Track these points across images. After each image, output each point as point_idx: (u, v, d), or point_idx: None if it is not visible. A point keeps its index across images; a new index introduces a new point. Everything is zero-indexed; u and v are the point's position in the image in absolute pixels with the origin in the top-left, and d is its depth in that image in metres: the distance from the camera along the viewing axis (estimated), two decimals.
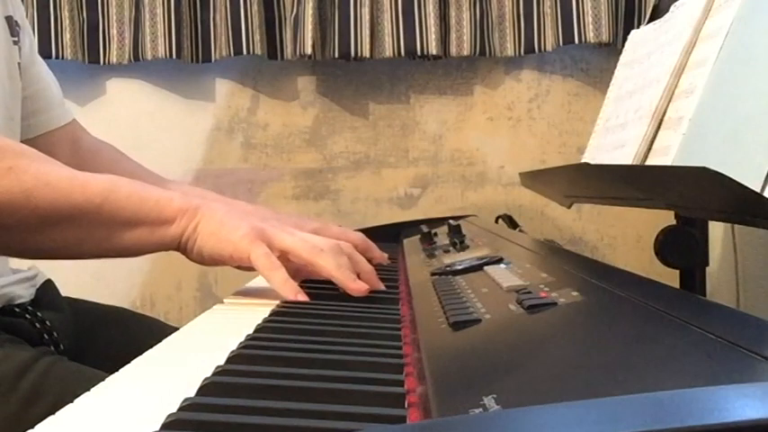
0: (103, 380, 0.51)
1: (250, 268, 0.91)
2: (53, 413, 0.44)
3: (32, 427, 0.42)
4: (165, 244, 0.83)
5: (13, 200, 0.77)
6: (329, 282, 0.81)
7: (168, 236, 0.82)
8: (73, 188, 0.79)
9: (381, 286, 0.85)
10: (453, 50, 1.75)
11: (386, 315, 0.69)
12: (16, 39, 0.98)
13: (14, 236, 0.80)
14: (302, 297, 0.78)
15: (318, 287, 0.82)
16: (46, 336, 0.91)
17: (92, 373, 0.78)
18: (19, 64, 0.98)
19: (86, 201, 0.80)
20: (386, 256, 1.08)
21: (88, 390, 0.49)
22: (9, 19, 0.97)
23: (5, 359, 0.78)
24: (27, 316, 0.91)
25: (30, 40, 1.07)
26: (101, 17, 1.76)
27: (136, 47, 1.74)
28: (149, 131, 1.82)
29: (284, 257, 0.81)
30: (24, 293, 0.94)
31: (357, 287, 0.79)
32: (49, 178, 0.79)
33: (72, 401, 0.46)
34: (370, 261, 1.06)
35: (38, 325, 0.91)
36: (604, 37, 1.69)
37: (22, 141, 1.00)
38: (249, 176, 1.84)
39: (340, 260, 0.82)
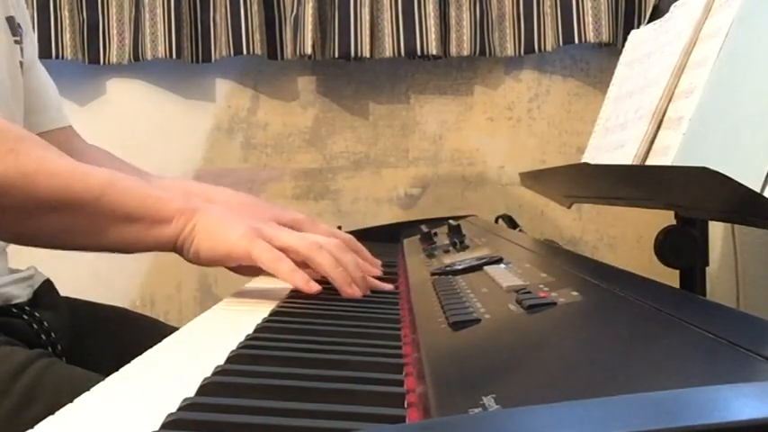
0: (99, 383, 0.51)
1: (250, 270, 0.91)
2: (47, 417, 0.44)
3: (26, 430, 0.41)
4: (160, 243, 0.82)
5: (10, 182, 0.76)
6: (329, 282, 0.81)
7: (164, 235, 0.82)
8: (72, 177, 0.79)
9: (384, 286, 0.84)
10: (453, 50, 1.75)
11: (386, 315, 0.69)
12: (18, 38, 0.98)
13: (9, 218, 0.79)
14: (314, 286, 0.78)
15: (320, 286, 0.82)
16: (43, 336, 0.91)
17: (87, 376, 0.77)
18: (21, 63, 0.98)
19: (85, 191, 0.79)
20: (378, 262, 0.99)
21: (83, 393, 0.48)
22: (10, 20, 0.97)
23: (0, 361, 0.78)
24: (24, 316, 0.91)
25: (32, 44, 1.06)
26: (101, 17, 1.76)
27: (136, 47, 1.74)
28: (149, 131, 1.82)
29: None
30: (21, 293, 0.94)
31: (351, 291, 0.79)
32: (50, 165, 0.79)
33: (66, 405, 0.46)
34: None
35: (35, 326, 0.91)
36: (604, 37, 1.69)
37: None
38: (249, 176, 1.84)
39: (342, 258, 0.81)
